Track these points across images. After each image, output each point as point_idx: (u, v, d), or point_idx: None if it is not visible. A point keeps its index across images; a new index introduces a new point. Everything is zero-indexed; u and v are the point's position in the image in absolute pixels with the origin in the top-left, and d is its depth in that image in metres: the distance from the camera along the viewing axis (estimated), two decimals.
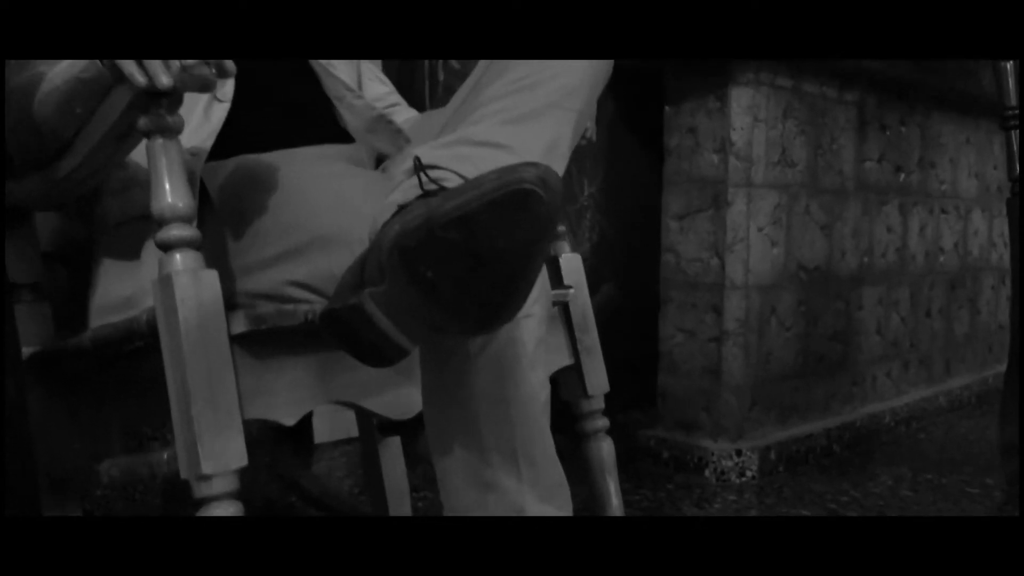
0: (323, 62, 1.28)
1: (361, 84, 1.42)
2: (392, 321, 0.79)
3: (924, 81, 2.34)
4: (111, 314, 1.09)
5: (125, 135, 0.96)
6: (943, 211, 2.69)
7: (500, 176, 0.74)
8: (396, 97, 1.47)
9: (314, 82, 1.28)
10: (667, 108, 2.02)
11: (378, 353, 0.82)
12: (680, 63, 1.98)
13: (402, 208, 0.83)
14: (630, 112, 2.22)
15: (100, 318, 1.10)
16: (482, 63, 1.13)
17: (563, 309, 1.24)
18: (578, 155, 2.16)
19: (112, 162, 1.04)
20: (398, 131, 1.29)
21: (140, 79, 0.84)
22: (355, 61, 1.42)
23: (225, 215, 1.05)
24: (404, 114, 1.44)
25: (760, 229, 1.99)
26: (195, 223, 0.89)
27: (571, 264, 1.26)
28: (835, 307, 2.24)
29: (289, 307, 0.93)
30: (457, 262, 0.76)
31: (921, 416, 2.55)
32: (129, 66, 0.85)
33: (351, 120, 1.28)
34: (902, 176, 2.47)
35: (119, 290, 1.09)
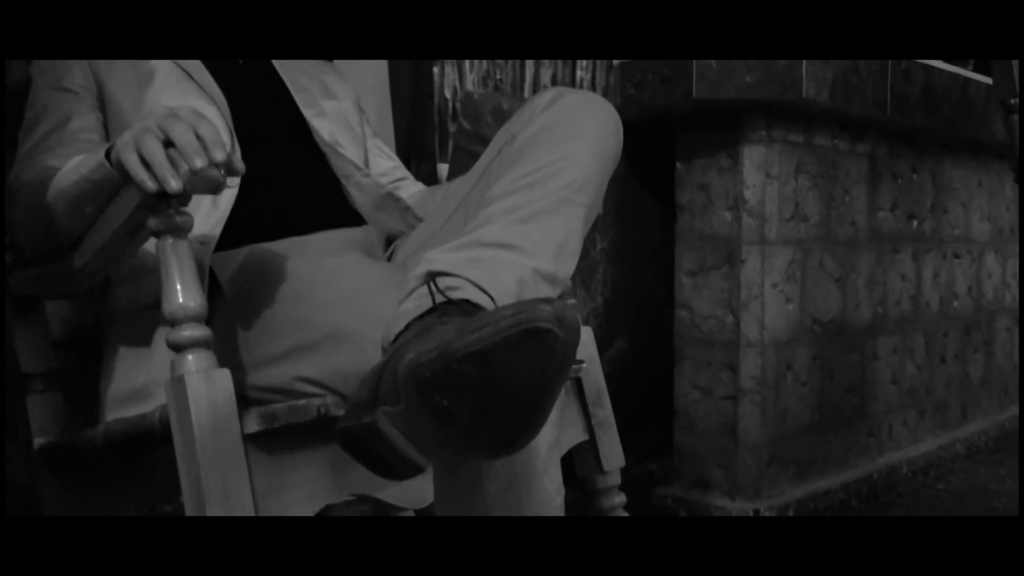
0: (331, 142, 1.28)
1: (368, 161, 1.42)
2: (407, 440, 0.77)
3: (935, 128, 2.34)
4: (124, 405, 1.08)
5: (135, 232, 0.96)
6: (956, 256, 2.68)
7: (516, 313, 0.73)
8: (403, 172, 1.47)
9: (322, 162, 1.28)
10: (678, 165, 2.02)
11: (392, 469, 0.81)
12: (690, 119, 1.97)
13: (416, 321, 0.82)
14: (641, 166, 2.21)
15: (113, 409, 1.09)
16: (491, 148, 1.12)
17: (576, 383, 1.23)
18: None
19: (123, 256, 1.04)
20: (406, 208, 1.29)
21: (150, 184, 0.84)
22: (363, 138, 1.42)
23: (236, 306, 1.04)
24: (411, 188, 1.44)
25: (774, 286, 1.97)
26: (205, 321, 0.89)
27: (583, 338, 1.25)
28: (850, 359, 2.22)
29: (301, 403, 0.93)
30: (474, 394, 0.75)
31: (939, 464, 2.52)
32: (138, 170, 0.85)
33: (360, 198, 1.27)
34: (915, 223, 2.45)
35: (131, 381, 1.08)
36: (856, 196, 2.20)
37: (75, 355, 1.28)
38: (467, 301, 0.83)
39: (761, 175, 1.92)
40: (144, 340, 1.09)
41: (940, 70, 2.24)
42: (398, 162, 1.48)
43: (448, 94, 2.62)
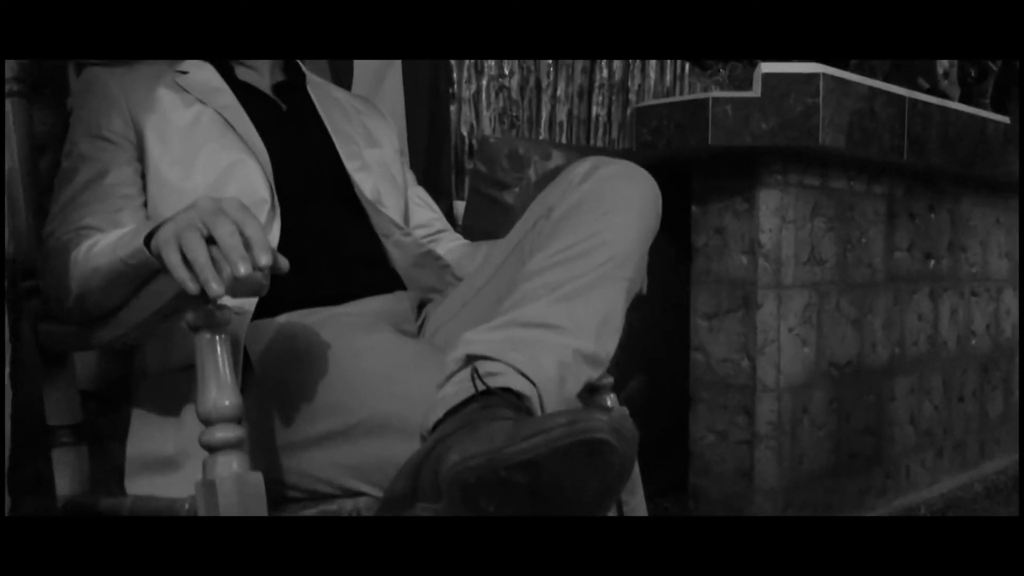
0: (372, 199, 1.27)
1: (408, 210, 1.41)
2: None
3: (953, 169, 2.33)
4: (150, 472, 1.07)
5: (170, 315, 0.94)
6: (974, 294, 2.66)
7: (571, 423, 0.71)
8: (442, 223, 1.46)
9: (362, 218, 1.27)
10: (694, 207, 2.02)
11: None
12: (706, 163, 1.97)
13: (456, 409, 0.81)
14: None
15: (138, 473, 1.08)
16: (525, 219, 1.11)
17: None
18: None
19: (155, 331, 1.02)
20: (445, 266, 1.28)
21: (191, 286, 0.82)
22: (404, 188, 1.40)
23: (267, 384, 1.03)
24: (450, 242, 1.43)
25: (791, 330, 1.97)
26: (241, 420, 0.87)
27: (624, 422, 1.24)
28: (867, 401, 2.21)
29: (333, 507, 0.92)
30: (522, 502, 0.73)
31: (957, 504, 2.50)
32: (180, 270, 0.82)
33: (398, 257, 1.27)
34: (932, 263, 2.44)
35: (159, 448, 1.07)
36: (873, 237, 2.19)
37: (103, 406, 1.28)
38: (509, 390, 0.82)
39: (777, 219, 1.92)
40: (173, 404, 1.08)
41: (957, 111, 2.24)
42: (438, 213, 1.47)
43: (464, 131, 2.64)
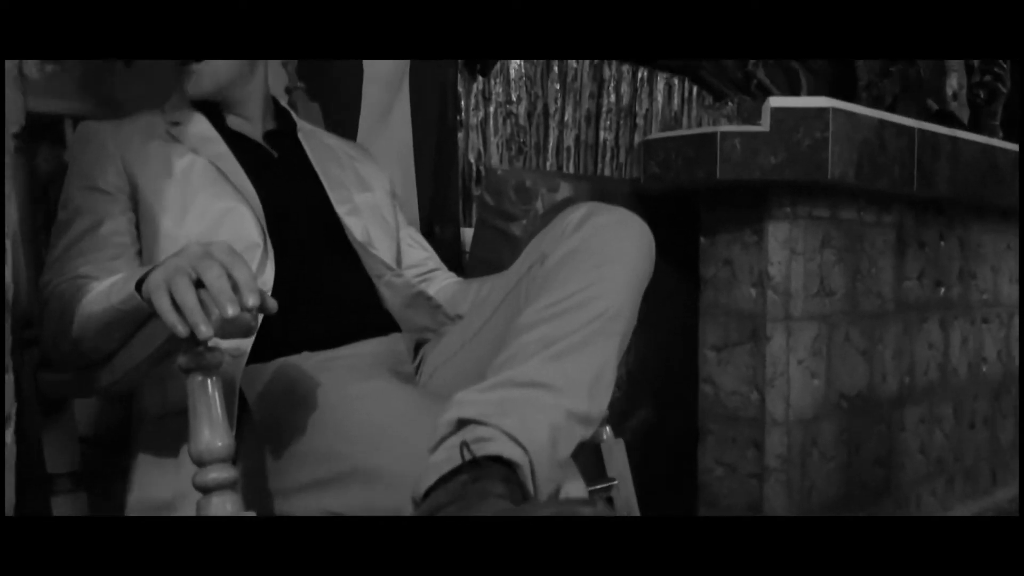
0: (363, 241, 1.28)
1: (400, 251, 1.42)
2: None
3: (963, 197, 2.32)
4: (148, 515, 1.08)
5: (163, 358, 0.96)
6: (984, 320, 2.64)
7: (557, 513, 0.72)
8: (435, 262, 1.47)
9: (354, 261, 1.28)
10: (702, 239, 2.01)
11: None
12: (714, 195, 1.97)
13: (447, 477, 0.81)
14: (665, 237, 2.20)
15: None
16: (521, 262, 1.11)
17: (608, 502, 1.22)
18: None
19: (151, 373, 1.04)
20: (437, 307, 1.29)
21: (181, 329, 0.84)
22: (395, 230, 1.42)
23: (262, 427, 1.04)
24: (442, 280, 1.43)
25: (800, 362, 1.95)
26: (233, 460, 0.88)
27: (614, 452, 1.24)
28: (877, 431, 2.19)
29: None
30: None
31: None
32: (170, 315, 0.84)
33: (390, 297, 1.28)
34: (943, 290, 2.43)
35: (158, 492, 1.08)
36: (883, 267, 2.18)
37: (103, 451, 1.29)
38: (499, 458, 0.82)
39: (786, 251, 1.91)
40: (171, 448, 1.09)
41: (967, 141, 2.23)
42: (431, 252, 1.48)
43: (472, 158, 2.64)
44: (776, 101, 1.75)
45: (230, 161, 1.25)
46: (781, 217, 1.90)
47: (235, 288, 0.84)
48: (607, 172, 3.00)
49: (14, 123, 1.19)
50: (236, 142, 1.29)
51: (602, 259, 0.98)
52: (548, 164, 2.82)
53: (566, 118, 2.88)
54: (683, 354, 2.14)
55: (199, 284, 0.85)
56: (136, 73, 1.49)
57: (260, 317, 1.09)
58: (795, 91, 3.61)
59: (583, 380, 0.91)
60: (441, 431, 0.86)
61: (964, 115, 3.75)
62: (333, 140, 1.48)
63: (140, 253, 1.19)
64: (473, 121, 2.62)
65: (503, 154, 2.71)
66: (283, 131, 1.38)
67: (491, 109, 2.66)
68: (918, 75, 3.88)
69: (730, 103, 1.81)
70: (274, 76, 1.54)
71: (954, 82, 4.08)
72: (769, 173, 1.77)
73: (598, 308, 0.95)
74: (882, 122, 1.90)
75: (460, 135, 2.55)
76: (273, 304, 0.87)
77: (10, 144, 1.21)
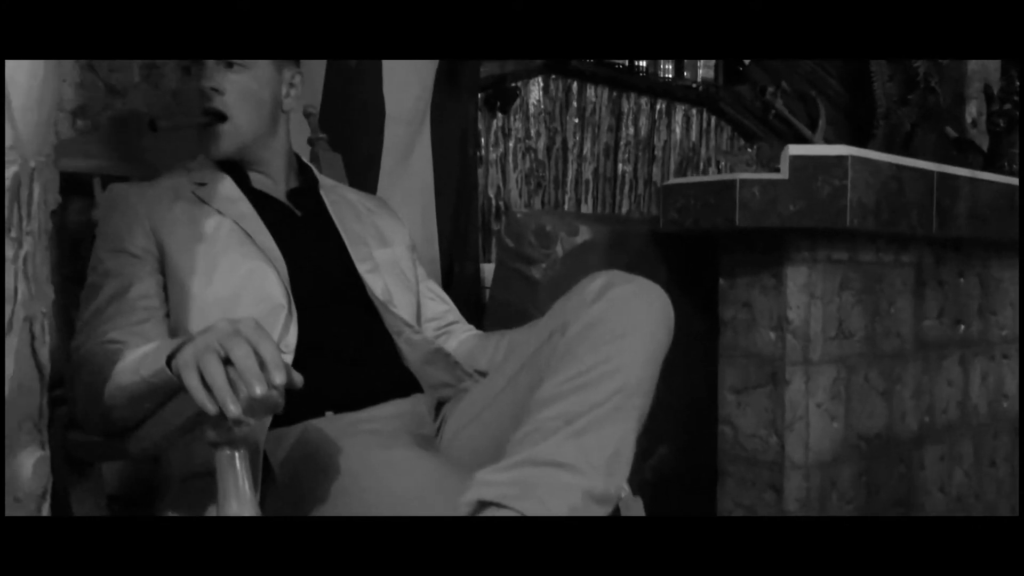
0: (384, 299, 1.30)
1: (420, 305, 1.44)
2: None
3: (982, 236, 2.32)
4: None
5: (192, 428, 0.98)
6: (1004, 356, 2.64)
7: None
8: (454, 315, 1.49)
9: (375, 318, 1.30)
10: (722, 281, 2.02)
11: None
12: (733, 239, 1.97)
13: None
14: (684, 277, 2.21)
15: None
16: (542, 327, 1.12)
17: None
18: None
19: (179, 441, 1.06)
20: (455, 363, 1.31)
21: (210, 407, 0.86)
22: (415, 284, 1.44)
23: (285, 492, 1.06)
24: (462, 334, 1.45)
25: (819, 405, 1.96)
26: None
27: (632, 510, 1.24)
28: (896, 472, 2.19)
29: None
30: None
31: None
32: (199, 393, 0.86)
33: (410, 354, 1.30)
34: (962, 328, 2.42)
35: None
36: (901, 307, 2.18)
37: (129, 509, 1.31)
38: None
39: (805, 296, 1.92)
40: (197, 509, 1.11)
41: (987, 182, 2.23)
42: (450, 305, 1.51)
43: (491, 194, 2.66)
44: (795, 149, 1.76)
45: (255, 221, 1.27)
46: (800, 261, 1.91)
47: (262, 365, 0.86)
48: (625, 204, 3.01)
49: (52, 201, 1.22)
50: (260, 201, 1.32)
51: (621, 332, 0.99)
52: (567, 197, 2.84)
53: (585, 151, 2.90)
54: (703, 394, 2.14)
55: (227, 361, 0.87)
56: (163, 133, 1.52)
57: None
58: (813, 119, 3.62)
59: (602, 458, 0.93)
60: (461, 511, 0.88)
61: (983, 143, 3.75)
62: (354, 195, 1.50)
63: (167, 315, 1.21)
64: (492, 157, 2.64)
65: (522, 189, 2.73)
66: (306, 188, 1.41)
67: (510, 144, 2.69)
68: (937, 103, 3.88)
69: (749, 149, 1.82)
70: (296, 127, 1.57)
71: (973, 110, 4.07)
72: (788, 220, 1.78)
73: (617, 383, 0.96)
74: (900, 167, 1.90)
75: (480, 171, 2.57)
76: (299, 379, 0.89)
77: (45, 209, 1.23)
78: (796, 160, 1.75)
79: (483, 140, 2.60)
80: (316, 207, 1.39)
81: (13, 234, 0.87)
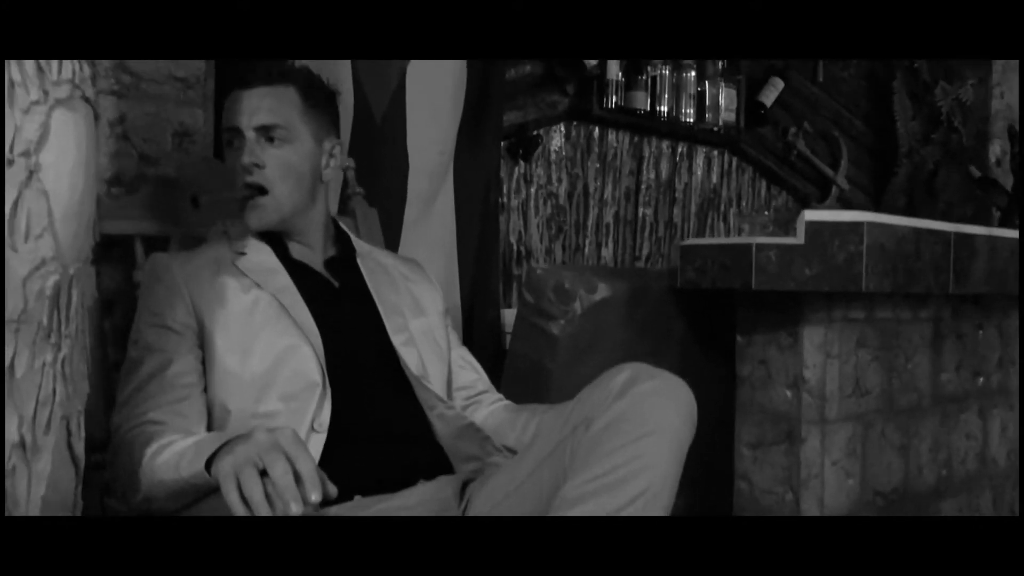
0: (418, 374, 1.33)
1: (451, 372, 1.47)
2: None
3: (1002, 291, 2.32)
4: None
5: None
6: None
7: None
8: (484, 384, 1.52)
9: (408, 391, 1.33)
10: (739, 338, 2.04)
11: None
12: (750, 298, 2.00)
13: None
14: (701, 332, 2.24)
15: None
16: (567, 419, 1.14)
17: None
18: None
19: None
20: (486, 438, 1.34)
21: (239, 511, 0.89)
22: (447, 352, 1.47)
23: None
24: (491, 401, 1.49)
25: (835, 463, 1.97)
26: None
27: None
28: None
29: None
30: None
31: None
32: (238, 507, 0.90)
33: (441, 429, 1.33)
34: (981, 380, 2.43)
35: None
36: (919, 362, 2.19)
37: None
38: None
39: (821, 355, 1.94)
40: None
41: (1004, 239, 2.24)
42: (481, 374, 1.54)
43: (513, 239, 2.70)
44: (811, 215, 1.78)
45: (293, 296, 1.30)
46: (816, 321, 1.93)
47: (298, 479, 0.90)
48: (646, 247, 3.04)
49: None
50: (298, 273, 1.35)
51: (645, 430, 1.02)
52: (587, 241, 2.87)
53: (605, 195, 2.93)
54: (719, 448, 2.16)
55: (265, 472, 0.91)
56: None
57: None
58: (836, 159, 3.63)
59: None
60: None
61: (1008, 182, 3.74)
62: (390, 259, 1.53)
63: (205, 390, 1.25)
64: (514, 203, 2.68)
65: (543, 234, 2.76)
66: (343, 256, 1.44)
67: (532, 190, 2.72)
68: (960, 142, 3.88)
69: (766, 212, 1.85)
70: (333, 184, 1.61)
71: (997, 149, 4.07)
72: (804, 285, 1.80)
73: (641, 485, 0.99)
74: (917, 231, 1.92)
75: (501, 217, 2.61)
76: (333, 491, 0.92)
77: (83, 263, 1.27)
78: (812, 225, 1.77)
79: (505, 187, 2.64)
80: (353, 277, 1.42)
81: (52, 339, 0.91)
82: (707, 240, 1.92)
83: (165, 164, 1.61)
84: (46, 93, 0.90)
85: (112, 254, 1.52)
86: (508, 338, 2.43)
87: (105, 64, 1.52)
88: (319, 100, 1.40)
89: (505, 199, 2.64)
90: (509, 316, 2.53)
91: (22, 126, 0.88)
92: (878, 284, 1.82)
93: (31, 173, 0.89)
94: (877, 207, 3.78)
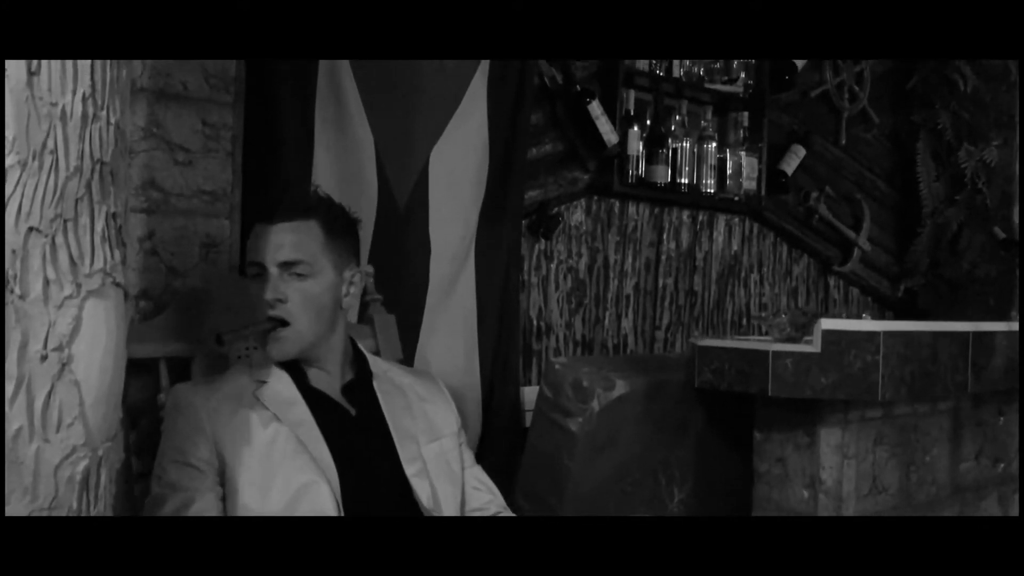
0: (430, 508, 1.36)
1: (465, 493, 1.50)
2: None
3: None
4: None
5: None
6: None
7: None
8: (497, 505, 1.55)
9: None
10: (757, 434, 2.05)
11: None
12: (768, 397, 2.01)
13: None
14: (718, 427, 2.24)
15: None
16: None
17: None
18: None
19: None
20: None
21: None
22: (460, 475, 1.50)
23: None
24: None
25: None
26: None
27: None
28: None
29: None
30: None
31: None
32: None
33: None
34: (1001, 467, 2.42)
35: None
36: (938, 455, 2.19)
37: None
38: None
39: (838, 456, 1.94)
40: None
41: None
42: (495, 494, 1.56)
43: (533, 314, 2.72)
44: (827, 323, 1.80)
45: (311, 430, 1.35)
46: (833, 423, 1.94)
47: None
48: (666, 317, 3.05)
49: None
50: (316, 402, 1.39)
51: None
52: (607, 313, 2.89)
53: (626, 267, 2.95)
54: None
55: None
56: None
57: None
58: (858, 221, 3.63)
59: None
60: None
61: None
62: (406, 379, 1.56)
63: None
64: (534, 279, 2.71)
65: (563, 308, 2.78)
66: (360, 381, 1.47)
67: (552, 266, 2.75)
68: (984, 203, 3.86)
69: (783, 314, 1.86)
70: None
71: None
72: (820, 393, 1.81)
73: None
74: (935, 335, 1.93)
75: (521, 294, 2.63)
76: None
77: None
78: (829, 334, 1.79)
79: (526, 264, 2.66)
80: (369, 403, 1.46)
81: None
82: (724, 342, 1.94)
83: (192, 276, 1.65)
84: (79, 287, 0.93)
85: (139, 374, 1.56)
86: (527, 415, 2.46)
87: (135, 184, 1.56)
88: (340, 230, 1.44)
89: (526, 276, 2.66)
90: (527, 394, 2.55)
91: (55, 321, 0.92)
92: (894, 393, 1.83)
93: (63, 366, 0.92)
94: (900, 266, 3.79)
